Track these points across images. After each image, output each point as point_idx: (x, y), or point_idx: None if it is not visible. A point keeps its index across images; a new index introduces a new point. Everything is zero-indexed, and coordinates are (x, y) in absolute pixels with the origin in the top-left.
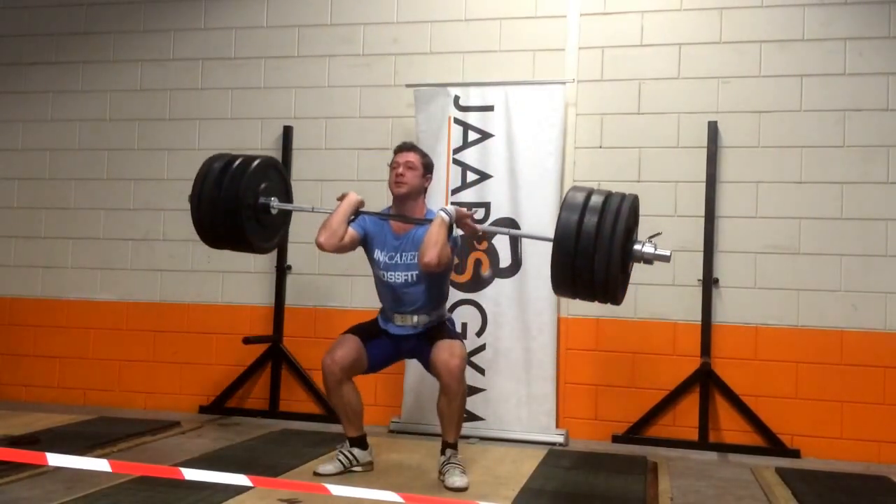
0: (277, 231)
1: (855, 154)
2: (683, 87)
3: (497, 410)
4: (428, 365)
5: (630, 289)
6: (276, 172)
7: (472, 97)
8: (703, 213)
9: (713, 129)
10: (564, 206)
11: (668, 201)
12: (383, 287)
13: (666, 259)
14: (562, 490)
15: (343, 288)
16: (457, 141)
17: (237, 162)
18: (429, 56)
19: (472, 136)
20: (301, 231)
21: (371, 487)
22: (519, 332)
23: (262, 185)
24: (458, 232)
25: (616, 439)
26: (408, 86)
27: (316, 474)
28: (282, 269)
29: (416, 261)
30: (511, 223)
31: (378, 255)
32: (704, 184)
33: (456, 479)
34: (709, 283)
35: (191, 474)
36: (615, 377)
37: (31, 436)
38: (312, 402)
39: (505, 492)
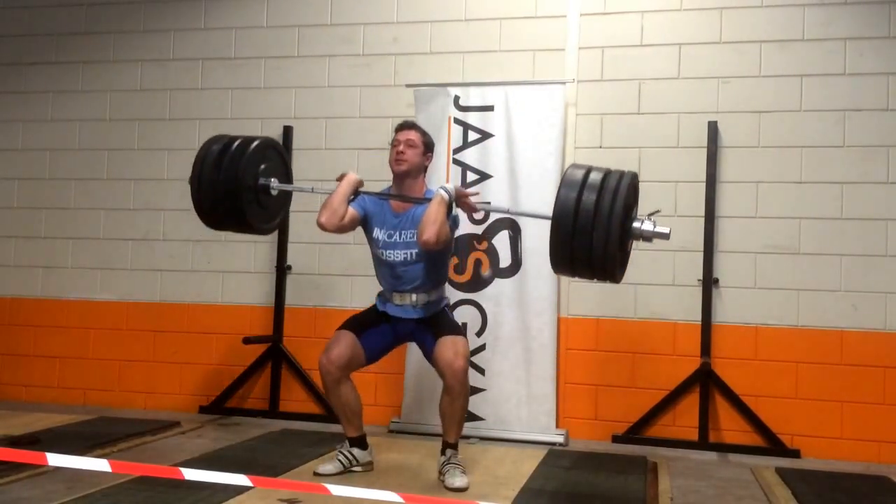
0: (278, 211)
1: (855, 154)
2: (683, 87)
3: (497, 410)
4: (430, 357)
5: (630, 289)
6: (275, 153)
7: (472, 97)
8: (703, 212)
9: (713, 129)
10: (563, 183)
11: (668, 201)
12: (382, 266)
13: (665, 237)
14: (562, 490)
15: (343, 288)
16: (457, 141)
17: (236, 143)
18: (429, 56)
19: (472, 136)
20: (301, 231)
21: (371, 487)
22: (519, 332)
23: (262, 166)
24: (457, 210)
25: (616, 439)
26: (408, 86)
27: (316, 474)
28: (282, 269)
29: (415, 239)
30: (511, 223)
31: (377, 233)
32: (704, 184)
33: (456, 480)
34: (709, 283)
35: (191, 474)
36: (615, 377)
37: (31, 436)
38: (312, 402)
39: (505, 492)
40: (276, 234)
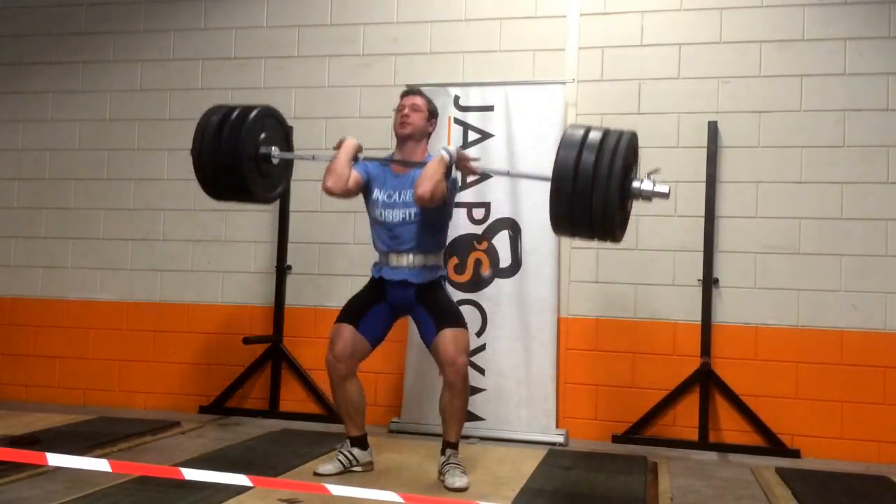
0: (280, 180)
1: (855, 154)
2: (683, 87)
3: (497, 410)
4: (429, 344)
5: (630, 289)
6: (275, 121)
7: (472, 97)
8: (703, 213)
9: (713, 129)
10: (562, 143)
11: (668, 201)
12: (380, 228)
13: (665, 196)
14: (562, 490)
15: (343, 287)
16: (457, 141)
17: (235, 112)
18: (429, 56)
19: (472, 135)
20: (302, 231)
21: (371, 487)
22: (519, 332)
23: (263, 135)
24: (456, 174)
25: (616, 439)
26: (408, 85)
27: (316, 474)
28: (282, 269)
29: (413, 198)
30: (511, 223)
31: (377, 194)
32: (704, 184)
33: (456, 480)
34: (709, 283)
35: (191, 474)
36: (615, 377)
37: (31, 436)
38: (312, 402)
39: (505, 492)
40: (276, 233)
